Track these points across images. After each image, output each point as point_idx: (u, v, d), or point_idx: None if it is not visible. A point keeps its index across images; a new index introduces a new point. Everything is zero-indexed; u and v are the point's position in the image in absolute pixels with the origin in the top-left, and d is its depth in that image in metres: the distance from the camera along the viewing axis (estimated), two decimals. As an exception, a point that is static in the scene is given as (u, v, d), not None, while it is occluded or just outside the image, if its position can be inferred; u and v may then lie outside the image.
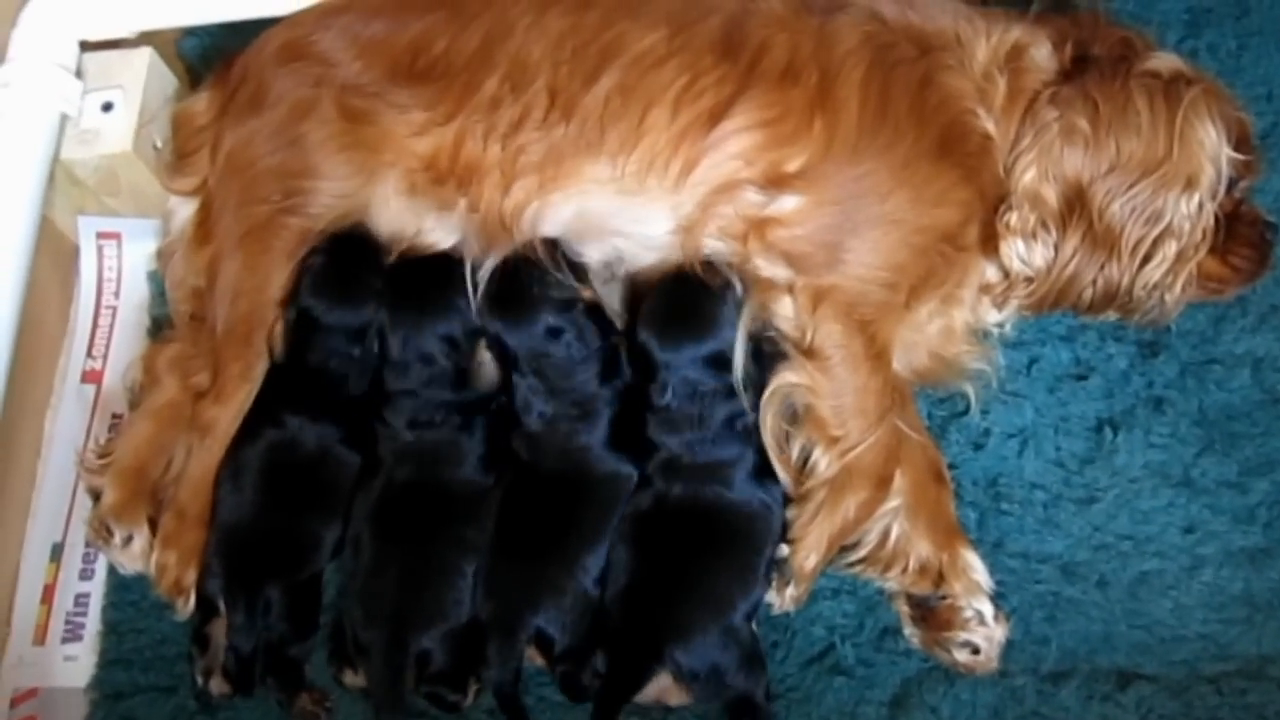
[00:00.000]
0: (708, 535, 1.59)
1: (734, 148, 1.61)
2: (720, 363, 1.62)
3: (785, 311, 1.60)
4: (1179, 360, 1.79)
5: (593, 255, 1.68)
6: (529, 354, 1.66)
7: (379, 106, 1.69)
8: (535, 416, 1.66)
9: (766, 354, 1.63)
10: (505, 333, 1.67)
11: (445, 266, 1.71)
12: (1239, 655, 1.63)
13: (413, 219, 1.71)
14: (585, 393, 1.66)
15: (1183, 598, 1.66)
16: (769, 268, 1.60)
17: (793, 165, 1.60)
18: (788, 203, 1.60)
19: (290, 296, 1.70)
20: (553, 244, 1.67)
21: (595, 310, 1.68)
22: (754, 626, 1.59)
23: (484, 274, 1.68)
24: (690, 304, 1.63)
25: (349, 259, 1.71)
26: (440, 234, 1.72)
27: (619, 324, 1.70)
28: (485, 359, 1.72)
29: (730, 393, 1.62)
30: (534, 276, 1.67)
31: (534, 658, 1.60)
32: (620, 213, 1.65)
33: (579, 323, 1.66)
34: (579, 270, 1.68)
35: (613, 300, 1.72)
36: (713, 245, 1.63)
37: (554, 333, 1.65)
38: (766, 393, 1.61)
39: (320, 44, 1.73)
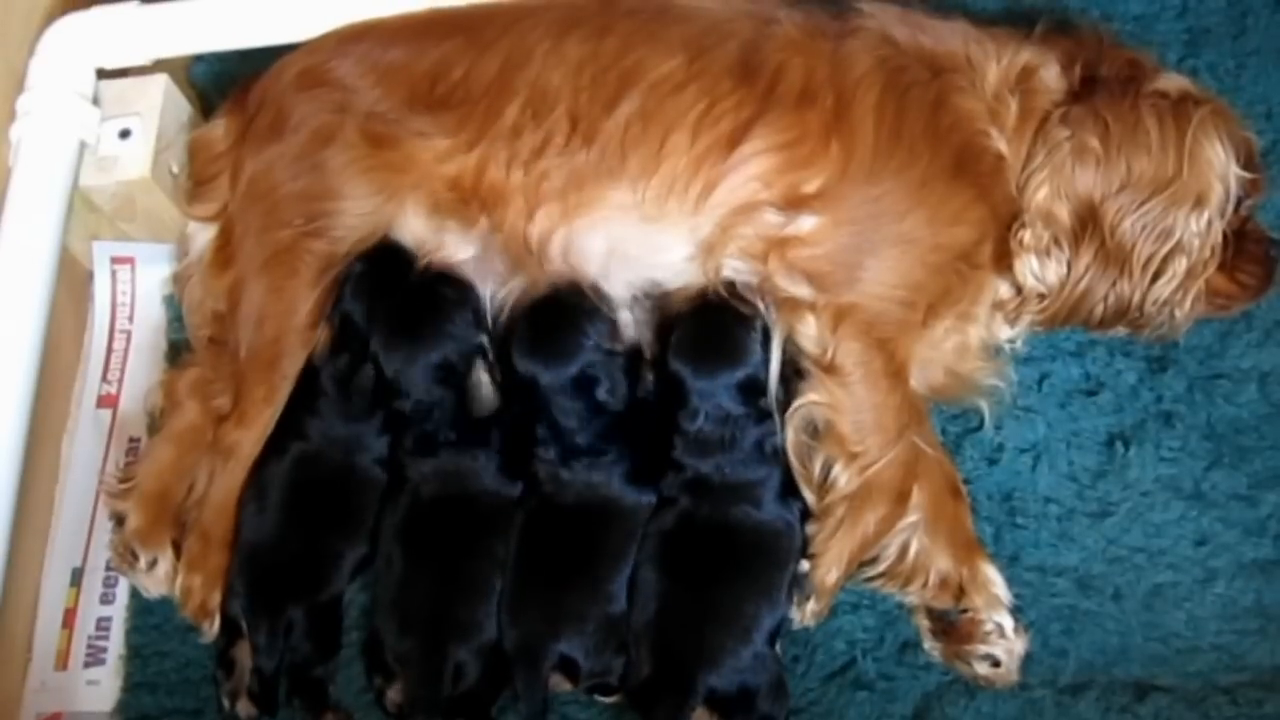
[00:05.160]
0: (733, 555, 1.60)
1: (753, 170, 1.63)
2: (752, 388, 1.64)
3: (807, 330, 1.62)
4: (1187, 375, 1.81)
5: (621, 287, 1.70)
6: (555, 395, 1.66)
7: (400, 133, 1.71)
8: (555, 453, 1.67)
9: (791, 374, 1.65)
10: (540, 372, 1.67)
11: (433, 291, 1.71)
12: (1253, 666, 1.65)
13: (434, 237, 1.73)
14: (604, 435, 1.67)
15: (1197, 609, 1.68)
16: (790, 287, 1.62)
17: (810, 186, 1.63)
18: (806, 223, 1.62)
19: (333, 305, 1.72)
20: (596, 289, 1.68)
21: (633, 362, 1.69)
22: (778, 650, 1.60)
23: (508, 296, 1.71)
24: (722, 331, 1.65)
25: (389, 267, 1.73)
26: (462, 251, 1.73)
27: (646, 353, 1.72)
28: (483, 380, 1.72)
29: (760, 416, 1.64)
30: (577, 318, 1.67)
31: (556, 685, 1.61)
32: (643, 238, 1.67)
33: (614, 376, 1.67)
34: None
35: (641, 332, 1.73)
36: (733, 266, 1.65)
37: (588, 380, 1.66)
38: (790, 410, 1.63)
39: (339, 70, 1.75)
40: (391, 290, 1.71)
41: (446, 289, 1.72)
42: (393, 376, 1.68)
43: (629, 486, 1.65)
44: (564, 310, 1.68)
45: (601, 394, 1.66)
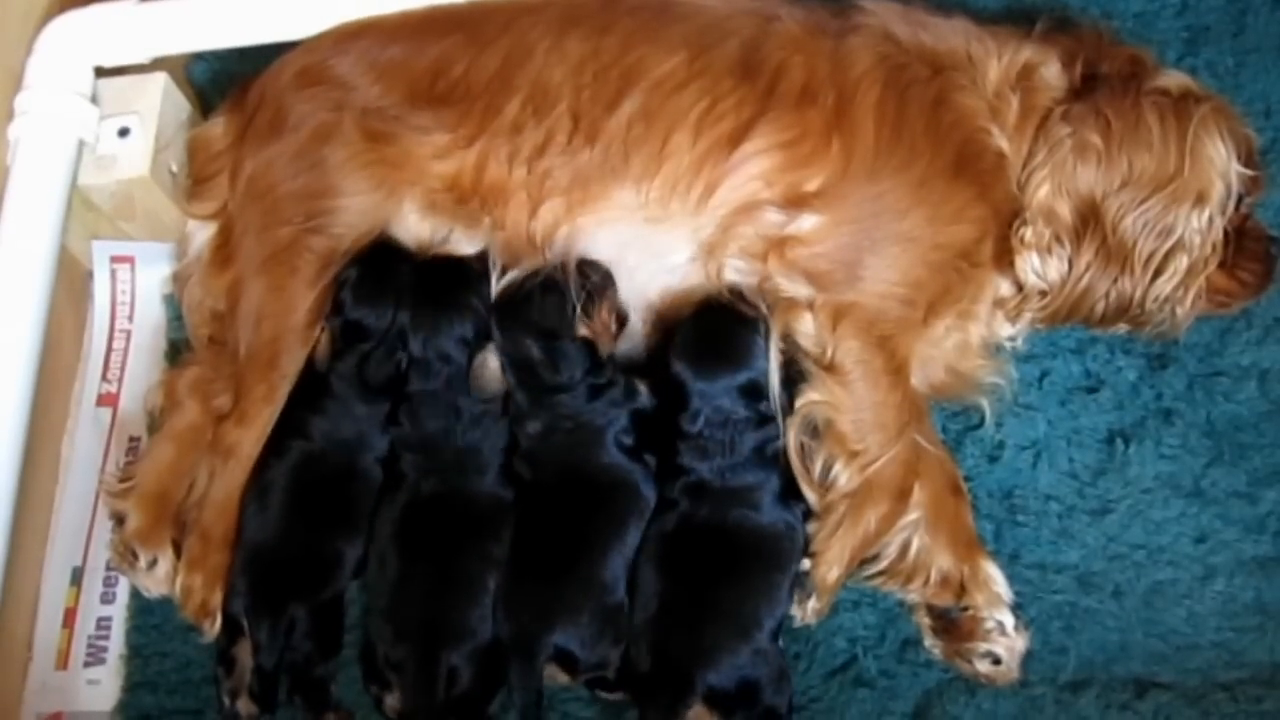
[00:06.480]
0: (734, 557, 1.60)
1: (754, 169, 1.63)
2: (753, 392, 1.64)
3: (806, 329, 1.62)
4: (1187, 372, 1.81)
5: (626, 288, 1.70)
6: (515, 363, 1.68)
7: (400, 129, 1.71)
8: (529, 430, 1.67)
9: (795, 376, 1.65)
10: (498, 338, 1.69)
11: (461, 268, 1.73)
12: (1252, 663, 1.66)
13: (435, 235, 1.73)
14: (574, 408, 1.67)
15: (1196, 606, 1.69)
16: (789, 286, 1.62)
17: (811, 185, 1.63)
18: (807, 222, 1.62)
19: (332, 311, 1.71)
20: (584, 264, 1.68)
21: (588, 345, 1.68)
22: (778, 643, 1.60)
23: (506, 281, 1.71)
24: (724, 334, 1.65)
25: (384, 267, 1.73)
26: (463, 247, 1.73)
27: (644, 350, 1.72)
28: (491, 364, 1.72)
29: (760, 421, 1.63)
30: (538, 295, 1.68)
31: (554, 677, 1.61)
32: (646, 239, 1.67)
33: (563, 351, 1.67)
34: (601, 296, 1.69)
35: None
36: (734, 265, 1.65)
37: (533, 353, 1.67)
38: (792, 413, 1.63)
39: (338, 68, 1.75)
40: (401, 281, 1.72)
41: (471, 268, 1.72)
42: (418, 348, 1.69)
43: (621, 453, 1.65)
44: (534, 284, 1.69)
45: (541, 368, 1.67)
